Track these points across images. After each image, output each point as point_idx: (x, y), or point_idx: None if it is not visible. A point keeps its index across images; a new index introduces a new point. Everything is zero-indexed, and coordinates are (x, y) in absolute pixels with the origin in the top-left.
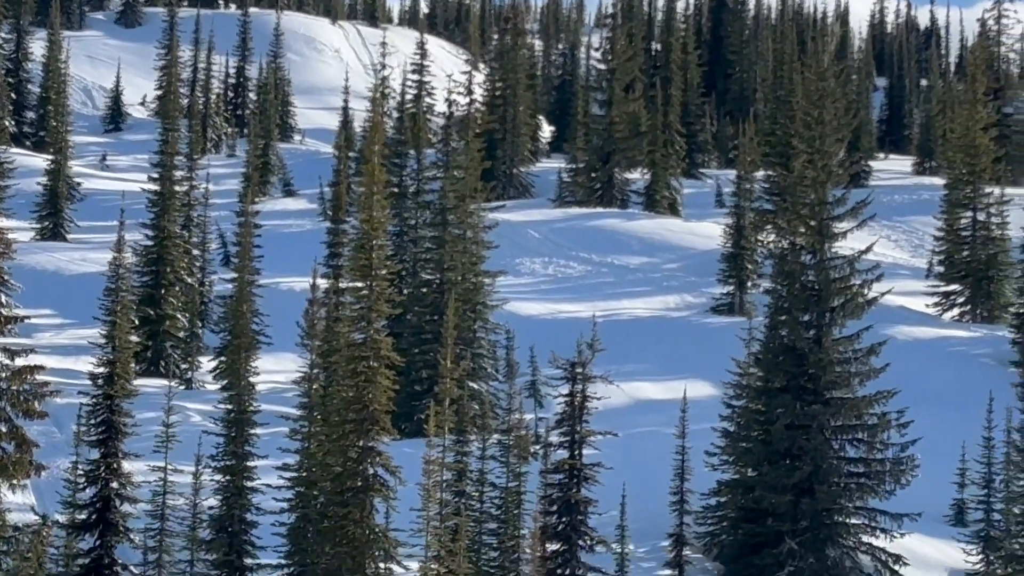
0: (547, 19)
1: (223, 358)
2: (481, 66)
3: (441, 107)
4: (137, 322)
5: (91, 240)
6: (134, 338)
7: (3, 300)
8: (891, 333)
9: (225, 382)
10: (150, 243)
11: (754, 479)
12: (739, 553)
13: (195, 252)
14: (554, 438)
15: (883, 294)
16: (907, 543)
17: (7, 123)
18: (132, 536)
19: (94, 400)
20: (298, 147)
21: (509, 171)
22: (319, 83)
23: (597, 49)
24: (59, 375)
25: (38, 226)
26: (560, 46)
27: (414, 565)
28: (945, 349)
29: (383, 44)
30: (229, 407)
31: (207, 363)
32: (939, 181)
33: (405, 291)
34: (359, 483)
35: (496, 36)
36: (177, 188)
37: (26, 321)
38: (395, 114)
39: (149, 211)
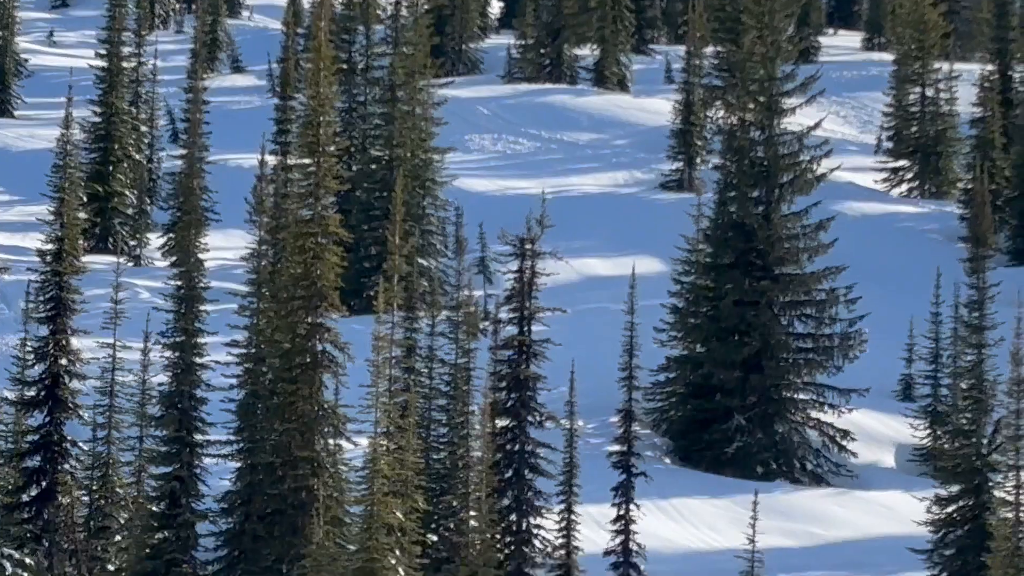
0: None
1: (172, 235)
2: None
3: None
4: (85, 199)
5: (39, 117)
6: (82, 215)
7: None
8: (839, 209)
9: (174, 259)
10: (98, 120)
11: (703, 355)
12: (688, 428)
13: (143, 129)
14: (503, 314)
15: (832, 170)
16: (855, 418)
17: None
18: (81, 412)
19: (42, 277)
20: (246, 23)
21: (458, 47)
22: None
23: None
24: (7, 252)
25: None
26: None
27: (363, 441)
28: (893, 225)
29: None
30: (178, 284)
31: (156, 240)
32: (888, 57)
33: (354, 168)
34: (308, 359)
35: None
36: (125, 64)
37: None
38: None
39: (97, 88)
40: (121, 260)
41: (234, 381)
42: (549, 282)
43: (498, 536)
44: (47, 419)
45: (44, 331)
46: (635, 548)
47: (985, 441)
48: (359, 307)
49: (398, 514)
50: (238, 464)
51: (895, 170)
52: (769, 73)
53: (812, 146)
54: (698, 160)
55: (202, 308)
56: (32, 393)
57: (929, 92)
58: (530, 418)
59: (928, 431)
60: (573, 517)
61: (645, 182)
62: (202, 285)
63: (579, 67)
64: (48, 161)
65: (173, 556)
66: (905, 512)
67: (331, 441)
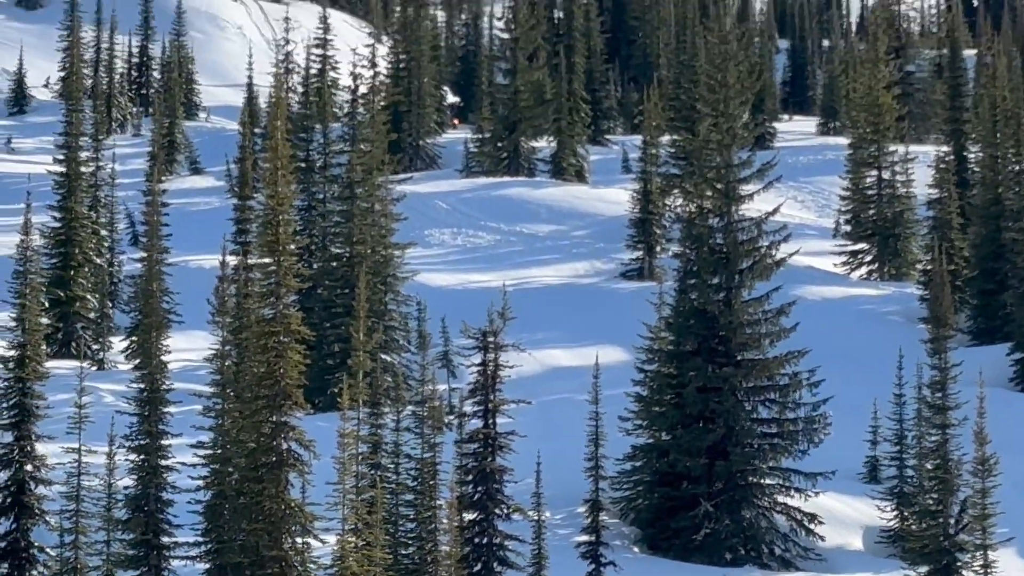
0: None
1: (134, 338)
2: (384, 39)
3: (346, 81)
4: (47, 304)
5: None
6: (44, 320)
7: None
8: (800, 293)
9: (137, 361)
10: (58, 225)
11: (668, 443)
12: (655, 516)
13: (103, 233)
14: (468, 408)
15: (791, 255)
16: (822, 502)
17: None
18: (48, 518)
19: (6, 383)
20: (204, 125)
21: (416, 143)
22: (223, 61)
23: (500, 19)
24: None
25: None
26: (463, 16)
27: (331, 539)
28: (854, 308)
29: (286, 19)
30: (142, 386)
31: (118, 343)
32: (843, 141)
33: (315, 266)
34: (273, 458)
35: (398, 8)
36: (83, 169)
37: None
38: (300, 89)
39: (56, 192)
40: (84, 364)
41: (200, 482)
42: (513, 374)
43: None
44: (13, 525)
45: (8, 437)
46: None
47: (952, 521)
48: (323, 404)
49: None
50: (206, 565)
51: (854, 253)
52: (725, 160)
53: (771, 231)
54: (658, 248)
55: (166, 410)
56: None
57: (885, 175)
58: (497, 511)
59: (895, 512)
60: None
61: (605, 272)
62: (165, 387)
63: (536, 159)
64: (9, 268)
65: None
66: None
67: (299, 540)
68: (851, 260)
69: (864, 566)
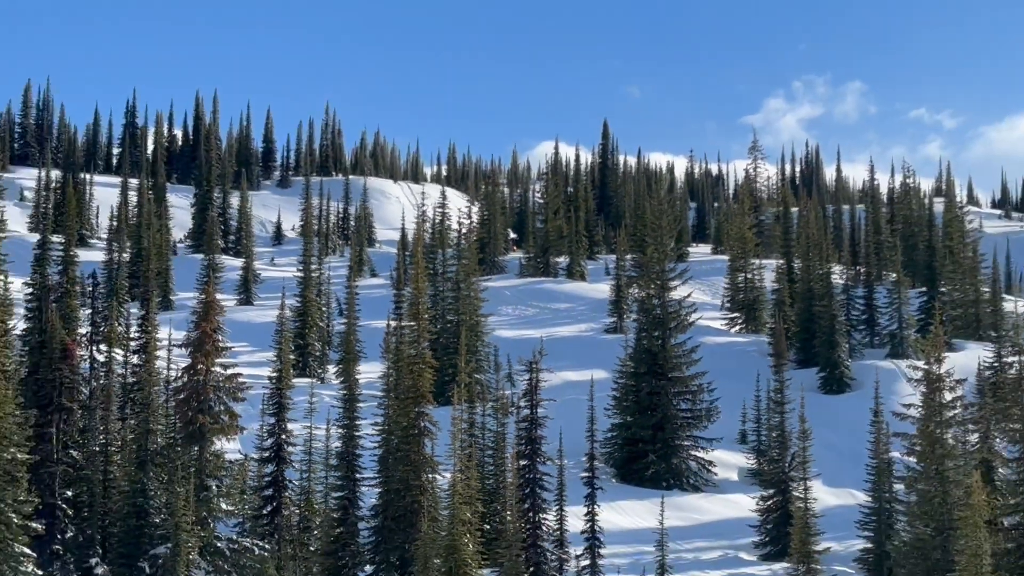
0: (511, 175)
1: (340, 365)
2: (476, 203)
3: (455, 226)
4: (294, 347)
5: (266, 304)
6: (291, 356)
7: (220, 338)
8: (703, 340)
9: (342, 379)
10: (298, 304)
11: (631, 422)
12: (624, 462)
13: (323, 308)
14: (522, 403)
15: (697, 319)
16: (716, 454)
17: (219, 242)
18: (293, 465)
19: (273, 389)
20: (378, 250)
21: (493, 259)
22: (389, 216)
23: (539, 193)
24: (250, 378)
25: (238, 297)
26: (518, 190)
27: (447, 475)
28: (732, 348)
29: (423, 193)
30: (344, 392)
31: (332, 368)
32: (725, 257)
33: (437, 326)
34: (415, 431)
35: (483, 186)
36: (313, 274)
37: (232, 349)
38: (430, 230)
39: (298, 287)
40: (313, 380)
41: (376, 444)
42: (546, 384)
43: (521, 524)
44: (275, 469)
45: (272, 420)
46: (598, 529)
47: (786, 464)
48: (443, 402)
49: (468, 514)
50: (379, 490)
51: (732, 319)
52: (661, 268)
53: (687, 307)
54: (625, 316)
55: (359, 404)
56: (266, 455)
57: (749, 276)
58: (538, 459)
59: (755, 460)
60: (564, 513)
61: (596, 329)
62: (357, 392)
63: (559, 268)
64: (272, 328)
65: (344, 541)
66: (745, 504)
67: (430, 476)
68: (730, 322)
69: (739, 489)
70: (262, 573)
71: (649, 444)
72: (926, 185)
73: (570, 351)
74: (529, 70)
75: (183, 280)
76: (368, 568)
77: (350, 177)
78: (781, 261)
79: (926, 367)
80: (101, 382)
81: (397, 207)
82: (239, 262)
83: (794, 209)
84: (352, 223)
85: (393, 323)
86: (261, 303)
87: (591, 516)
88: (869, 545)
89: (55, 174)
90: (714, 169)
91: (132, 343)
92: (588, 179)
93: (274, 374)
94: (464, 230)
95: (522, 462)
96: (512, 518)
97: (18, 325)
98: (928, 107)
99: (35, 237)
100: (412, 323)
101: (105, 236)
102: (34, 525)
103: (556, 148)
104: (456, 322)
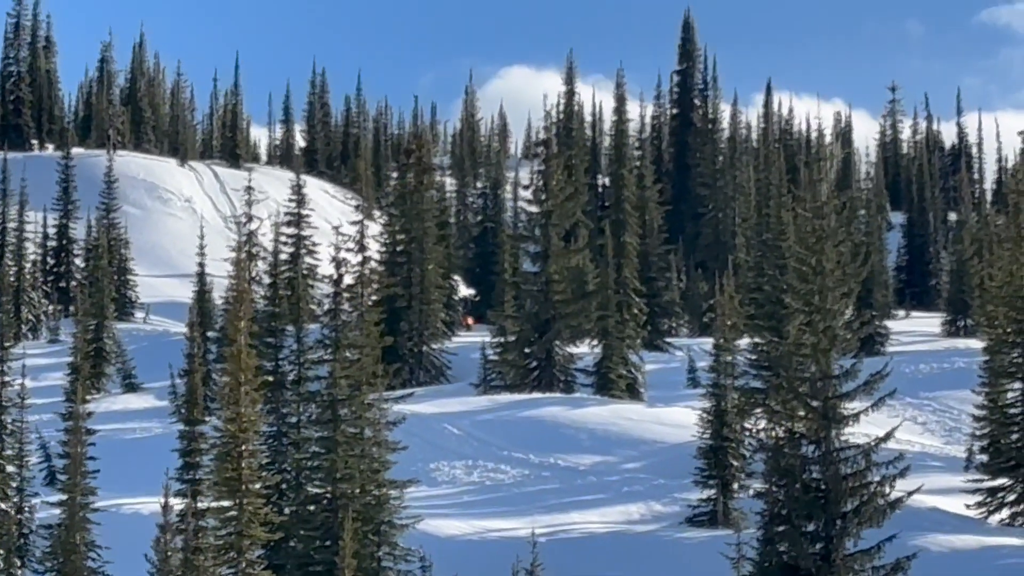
0: (460, 150)
1: None
2: (377, 213)
3: (326, 268)
4: None
5: None
6: None
7: None
8: (922, 543)
9: None
10: None
11: None
12: None
13: (10, 469)
14: None
15: (910, 493)
16: None
17: None
18: None
19: None
20: (141, 327)
21: (418, 349)
22: (166, 243)
23: (526, 187)
24: None
25: None
26: (478, 185)
27: None
28: (994, 562)
29: (248, 189)
30: None
31: None
32: (977, 344)
33: (287, 510)
34: None
35: (395, 174)
36: None
37: None
38: (267, 280)
39: None
40: None
41: None
42: None
43: None
44: None
45: None
46: None
47: None
48: None
49: None
50: None
51: (992, 491)
52: (823, 370)
53: (883, 463)
54: (735, 486)
55: None
56: None
57: None
58: None
59: None
60: None
61: (667, 516)
62: None
63: (575, 369)
64: None
65: None
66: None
67: None
68: (989, 500)
69: None
70: None
71: None
72: None
73: (606, 569)
74: None
75: None
76: None
77: (76, 151)
78: None
79: None
80: None
81: (187, 223)
82: None
83: None
84: (79, 262)
85: (178, 505)
86: None
87: None
88: None
89: None
90: (947, 135)
91: None
92: (646, 156)
93: None
94: (349, 279)
95: None
96: None
97: None
98: None
99: None
100: (226, 504)
101: None
102: None
103: (570, 89)
104: (331, 501)
